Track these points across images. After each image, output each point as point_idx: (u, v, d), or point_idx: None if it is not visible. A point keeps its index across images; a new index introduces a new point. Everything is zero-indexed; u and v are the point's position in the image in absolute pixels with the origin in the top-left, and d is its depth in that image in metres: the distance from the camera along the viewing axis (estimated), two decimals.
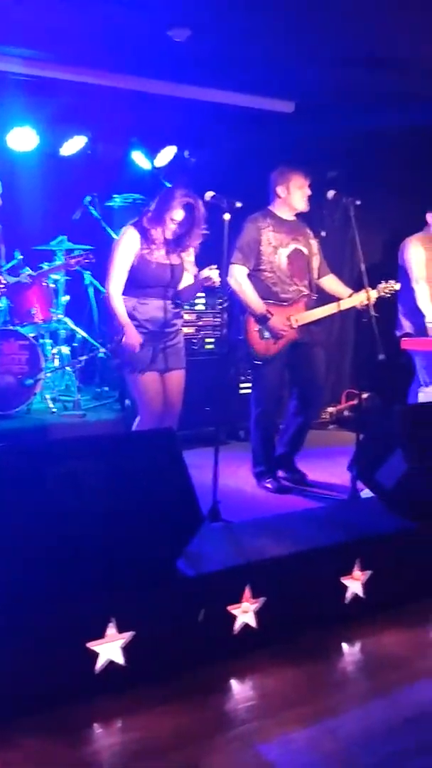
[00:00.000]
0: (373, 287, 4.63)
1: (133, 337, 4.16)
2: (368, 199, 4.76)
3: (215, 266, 4.19)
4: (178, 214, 4.16)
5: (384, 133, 6.34)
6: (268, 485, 4.83)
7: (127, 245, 4.18)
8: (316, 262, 4.85)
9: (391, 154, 6.56)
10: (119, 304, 4.19)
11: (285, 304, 4.70)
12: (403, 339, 5.43)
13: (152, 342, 4.23)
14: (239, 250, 4.66)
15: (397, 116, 6.17)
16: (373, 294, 4.63)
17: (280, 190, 4.73)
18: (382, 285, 4.73)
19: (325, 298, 4.91)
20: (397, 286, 4.83)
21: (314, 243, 4.86)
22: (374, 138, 6.41)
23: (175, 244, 4.25)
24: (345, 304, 4.73)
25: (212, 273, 4.17)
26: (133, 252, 4.17)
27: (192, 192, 4.20)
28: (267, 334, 4.66)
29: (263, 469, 4.89)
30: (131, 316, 4.21)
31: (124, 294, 4.21)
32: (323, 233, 6.55)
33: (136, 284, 4.20)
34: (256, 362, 4.74)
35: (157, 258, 4.20)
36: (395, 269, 5.63)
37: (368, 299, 4.52)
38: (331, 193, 4.69)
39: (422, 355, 5.51)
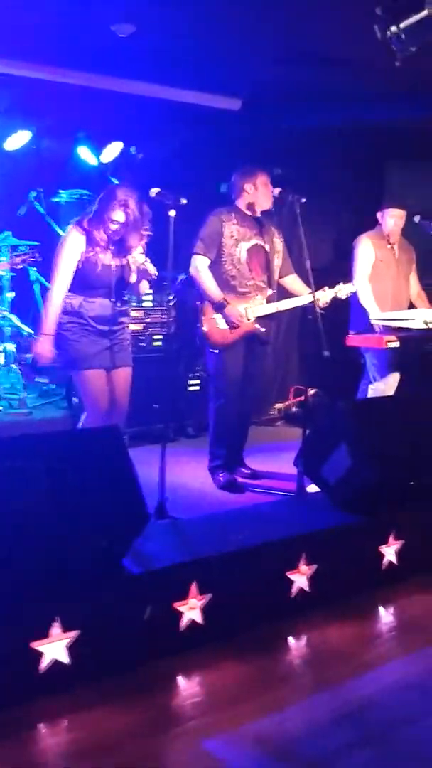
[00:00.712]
0: (321, 286, 4.68)
1: (44, 349, 4.14)
2: (314, 197, 4.80)
3: (147, 259, 4.22)
4: (119, 215, 4.13)
5: (330, 131, 6.40)
6: (221, 478, 4.85)
7: (71, 247, 4.15)
8: (278, 260, 4.87)
9: (337, 153, 6.62)
10: (53, 311, 4.15)
11: (242, 296, 4.74)
12: (348, 336, 5.50)
13: (99, 339, 4.21)
14: (201, 240, 4.71)
15: (343, 115, 6.23)
16: (330, 293, 4.72)
17: (248, 187, 4.77)
18: (339, 286, 4.80)
19: (284, 296, 4.92)
20: (354, 288, 4.90)
21: (278, 242, 4.90)
22: (320, 136, 6.46)
23: (120, 246, 4.22)
24: (300, 301, 4.79)
25: (149, 266, 4.19)
26: (78, 253, 4.15)
27: (132, 192, 4.17)
28: (223, 323, 4.69)
29: (219, 464, 4.90)
30: (78, 314, 4.18)
31: (71, 291, 4.18)
32: None
33: (82, 284, 4.18)
34: (212, 350, 4.76)
35: (102, 260, 4.18)
36: (343, 267, 5.69)
37: (318, 299, 4.58)
38: (276, 191, 4.74)
39: (369, 352, 5.59)
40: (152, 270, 4.21)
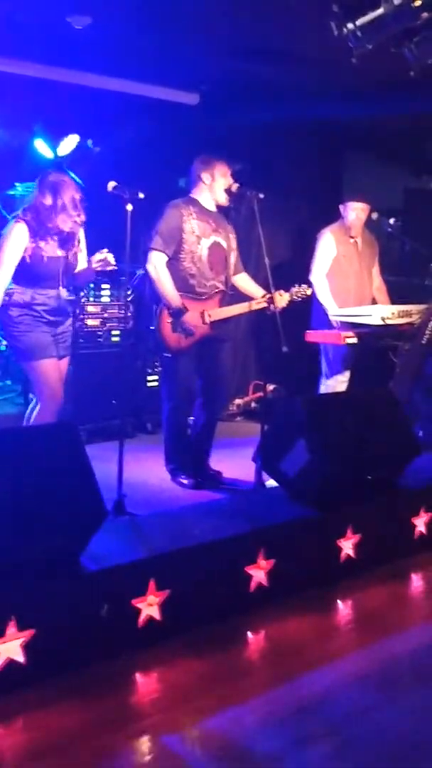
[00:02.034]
0: (279, 282, 4.67)
1: None
2: (272, 192, 4.80)
3: (106, 249, 4.20)
4: (48, 199, 4.16)
5: (288, 126, 6.41)
6: (184, 481, 4.78)
7: (14, 240, 4.13)
8: (233, 258, 4.77)
9: (295, 148, 6.65)
10: None
11: (200, 298, 4.60)
12: (308, 332, 5.52)
13: (49, 330, 4.25)
14: (160, 235, 4.52)
15: (301, 110, 6.25)
16: (286, 297, 4.66)
17: (204, 176, 4.62)
18: (295, 289, 4.74)
19: (236, 295, 4.87)
20: (309, 291, 4.86)
21: (233, 238, 4.78)
22: (278, 131, 6.47)
23: (62, 236, 4.22)
24: (257, 305, 4.69)
25: (109, 256, 4.18)
26: (21, 247, 4.13)
27: (63, 176, 4.24)
28: (179, 328, 4.56)
29: (175, 466, 4.83)
30: (29, 306, 4.19)
31: (20, 285, 4.18)
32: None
33: (30, 277, 4.18)
34: (165, 355, 4.65)
35: (47, 252, 4.17)
36: (302, 263, 5.71)
37: (276, 303, 4.54)
38: (234, 186, 4.70)
39: (326, 348, 5.62)
40: (112, 261, 4.23)
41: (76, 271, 4.35)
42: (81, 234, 4.33)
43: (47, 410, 4.22)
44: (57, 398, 4.24)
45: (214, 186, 4.64)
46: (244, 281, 4.86)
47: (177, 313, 4.52)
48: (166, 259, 4.54)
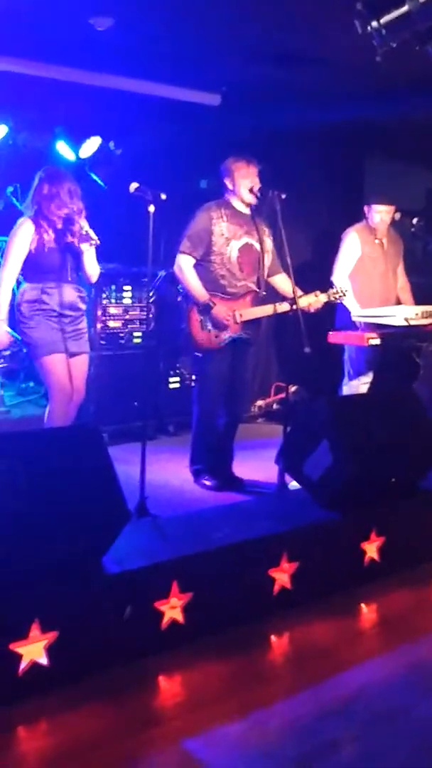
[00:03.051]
0: (301, 283, 4.64)
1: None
2: (294, 193, 4.77)
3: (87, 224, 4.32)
4: (57, 193, 4.30)
5: (310, 127, 6.38)
6: (207, 482, 4.77)
7: (22, 237, 4.26)
8: (268, 259, 4.75)
9: (317, 149, 6.62)
10: (4, 298, 4.25)
11: (231, 297, 4.62)
12: (330, 333, 5.48)
13: (58, 326, 4.30)
14: (188, 238, 4.58)
15: (323, 111, 6.22)
16: (322, 298, 4.66)
17: (227, 181, 4.65)
18: (332, 290, 4.75)
19: (273, 296, 4.84)
20: (346, 293, 4.84)
21: (268, 240, 4.76)
22: (300, 132, 6.44)
23: (63, 227, 4.30)
24: (281, 308, 4.64)
25: (89, 231, 4.29)
26: (27, 242, 4.26)
27: (61, 170, 4.44)
28: (209, 326, 4.58)
29: (201, 467, 4.83)
30: (39, 301, 4.28)
31: (30, 282, 4.32)
32: None
33: (37, 270, 4.29)
34: (197, 354, 4.67)
35: (49, 242, 4.28)
36: (323, 263, 5.68)
37: (312, 304, 4.60)
38: (256, 187, 4.68)
39: (348, 349, 5.59)
40: (93, 235, 4.29)
41: (83, 259, 4.39)
42: (87, 228, 4.34)
43: (58, 407, 4.27)
44: (64, 393, 4.28)
45: (238, 188, 4.64)
46: (281, 282, 4.82)
47: (205, 309, 4.55)
48: (194, 261, 4.59)
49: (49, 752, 2.44)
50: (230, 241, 4.59)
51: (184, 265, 4.58)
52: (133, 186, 4.09)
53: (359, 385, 5.58)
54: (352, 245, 5.58)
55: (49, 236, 4.28)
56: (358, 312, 5.40)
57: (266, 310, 4.71)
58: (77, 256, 4.38)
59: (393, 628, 3.36)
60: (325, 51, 5.00)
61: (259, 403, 6.90)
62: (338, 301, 4.80)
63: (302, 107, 6.16)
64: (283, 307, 4.64)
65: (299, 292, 4.62)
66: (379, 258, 5.65)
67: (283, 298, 4.74)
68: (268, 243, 4.77)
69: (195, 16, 4.56)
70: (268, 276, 4.79)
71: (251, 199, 4.66)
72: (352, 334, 5.37)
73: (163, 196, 4.09)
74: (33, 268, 4.30)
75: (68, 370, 4.32)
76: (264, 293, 4.77)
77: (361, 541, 3.69)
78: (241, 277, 4.63)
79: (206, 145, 6.08)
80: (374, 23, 3.58)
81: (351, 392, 5.58)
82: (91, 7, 4.47)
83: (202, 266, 4.59)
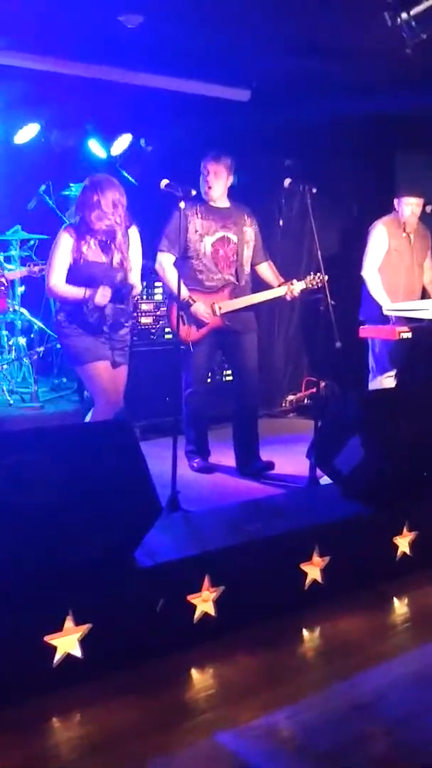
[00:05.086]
0: (331, 275, 4.65)
1: (102, 295, 4.12)
2: (325, 187, 4.77)
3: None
4: (103, 204, 4.15)
5: (339, 120, 6.35)
6: (194, 464, 4.93)
7: (62, 246, 4.20)
8: (248, 250, 4.83)
9: (347, 142, 6.58)
10: (67, 288, 4.18)
11: (209, 291, 4.75)
12: (361, 327, 5.46)
13: (99, 336, 4.21)
14: (166, 236, 4.72)
15: (353, 104, 6.18)
16: (299, 286, 4.73)
17: (200, 178, 4.75)
18: (309, 277, 4.77)
19: (261, 285, 4.92)
20: (326, 279, 4.73)
21: (249, 230, 4.83)
22: (330, 126, 6.41)
23: (107, 238, 4.22)
24: (270, 294, 4.80)
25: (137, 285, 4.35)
26: (69, 251, 4.19)
27: (110, 180, 4.23)
28: (188, 320, 4.70)
29: (193, 449, 4.99)
30: (77, 311, 4.19)
31: None
32: (281, 222, 6.58)
33: (75, 281, 4.20)
34: (181, 347, 4.77)
35: (88, 257, 4.19)
36: (353, 256, 5.66)
37: (291, 291, 4.71)
38: (287, 182, 4.70)
39: (372, 343, 5.55)
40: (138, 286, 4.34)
41: (129, 282, 4.30)
42: (134, 242, 4.30)
43: (101, 410, 4.23)
44: (109, 398, 4.23)
45: (202, 184, 4.71)
46: (265, 271, 4.94)
47: (185, 305, 4.66)
48: (173, 258, 4.72)
49: (81, 743, 2.48)
50: (203, 237, 4.71)
51: (165, 263, 4.74)
52: (164, 182, 4.12)
53: (383, 380, 5.55)
54: (380, 238, 5.55)
55: (91, 248, 4.19)
56: (389, 306, 5.37)
57: (245, 300, 4.81)
58: (117, 272, 4.26)
59: (425, 623, 3.34)
60: (354, 43, 4.96)
61: (290, 397, 6.89)
62: (316, 287, 4.74)
63: (332, 101, 6.13)
64: (262, 296, 4.82)
65: (280, 280, 4.79)
66: (406, 251, 5.61)
67: (268, 287, 4.87)
68: (249, 233, 4.83)
69: (224, 12, 4.56)
70: (253, 266, 4.89)
71: (207, 196, 4.73)
72: (382, 328, 5.34)
73: (194, 192, 4.13)
74: (71, 278, 4.21)
75: (113, 378, 4.27)
76: (242, 284, 4.83)
77: (393, 535, 3.68)
78: (217, 271, 4.75)
79: (236, 140, 6.07)
80: (404, 15, 3.57)
81: (376, 387, 5.54)
82: (120, 5, 4.48)
83: (182, 263, 4.69)
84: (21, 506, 2.68)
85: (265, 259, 4.94)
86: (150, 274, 5.33)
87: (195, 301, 4.69)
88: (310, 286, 4.76)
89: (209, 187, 4.72)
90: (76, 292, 4.15)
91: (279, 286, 4.80)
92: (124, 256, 4.25)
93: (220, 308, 4.74)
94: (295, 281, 4.76)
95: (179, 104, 6.14)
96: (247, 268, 4.86)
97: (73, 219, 4.31)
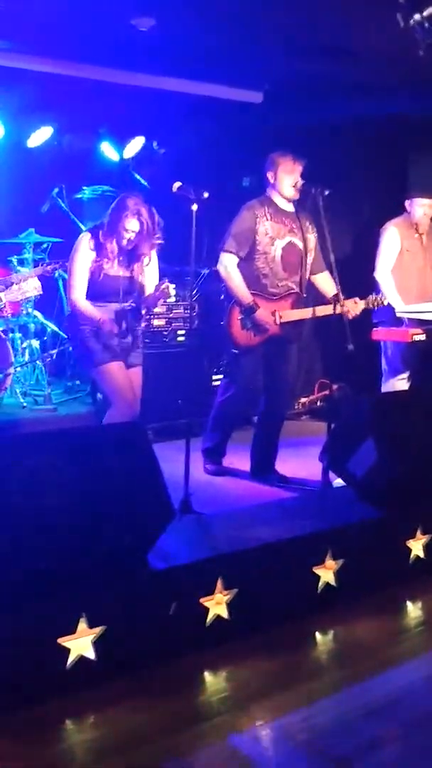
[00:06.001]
0: (344, 279, 4.61)
1: (109, 330, 4.17)
2: (338, 189, 4.75)
3: (167, 280, 4.22)
4: (132, 224, 4.16)
5: (352, 122, 6.35)
6: (207, 467, 4.91)
7: (83, 254, 4.21)
8: (310, 258, 4.72)
9: (360, 144, 6.57)
10: (86, 305, 4.21)
11: (272, 298, 4.62)
12: (374, 330, 5.44)
13: (111, 342, 4.23)
14: (233, 237, 4.56)
15: (366, 106, 6.18)
16: (361, 305, 4.63)
17: (269, 175, 4.61)
18: (372, 297, 4.72)
19: (314, 294, 4.84)
20: (386, 302, 4.83)
21: (311, 237, 4.72)
22: (343, 128, 6.41)
23: (129, 256, 4.25)
24: (327, 311, 4.61)
25: (170, 287, 4.20)
26: (88, 260, 4.20)
27: (142, 200, 4.20)
28: (249, 325, 4.59)
29: (211, 448, 4.94)
30: (90, 320, 4.21)
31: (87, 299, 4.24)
32: None
33: (91, 294, 4.23)
34: (232, 350, 4.69)
35: (108, 270, 4.21)
36: (366, 259, 5.64)
37: (353, 310, 4.56)
38: (299, 183, 4.67)
39: (385, 346, 5.53)
40: (171, 293, 4.25)
41: (146, 294, 4.31)
42: (153, 256, 4.32)
43: (117, 412, 4.21)
44: (126, 399, 4.22)
45: (279, 185, 4.61)
46: (323, 281, 4.78)
47: (248, 310, 4.55)
48: (237, 260, 4.57)
49: (96, 745, 2.48)
50: (275, 240, 4.57)
51: (229, 265, 4.57)
52: (177, 185, 4.12)
53: (396, 382, 5.52)
54: (392, 240, 5.53)
55: (111, 264, 4.21)
56: (402, 308, 5.35)
57: (306, 312, 4.70)
58: (134, 287, 4.30)
59: None
60: (366, 45, 4.96)
61: (303, 400, 6.88)
62: (375, 309, 4.74)
63: (344, 102, 6.13)
64: (324, 310, 4.65)
65: (341, 295, 4.55)
66: (418, 253, 5.59)
67: (324, 297, 4.73)
68: (312, 240, 4.73)
69: (236, 14, 4.57)
70: (311, 274, 4.76)
71: (292, 194, 4.62)
72: (395, 330, 5.32)
73: (206, 195, 4.11)
74: (91, 292, 4.23)
75: (128, 379, 4.28)
76: (304, 294, 4.74)
77: (407, 538, 3.66)
78: (283, 277, 4.62)
79: (249, 143, 6.09)
80: (416, 16, 3.56)
81: (389, 390, 5.52)
82: (132, 8, 4.50)
83: (246, 265, 4.58)
84: (34, 508, 2.69)
85: (323, 268, 4.77)
86: (161, 276, 5.35)
87: (259, 307, 4.57)
88: (372, 306, 4.72)
89: (293, 186, 4.55)
90: (92, 312, 4.19)
91: (335, 298, 4.53)
92: (142, 271, 4.28)
93: (281, 317, 4.60)
94: (358, 299, 4.61)
95: (192, 107, 6.16)
96: (307, 277, 4.73)
97: (96, 230, 4.24)
